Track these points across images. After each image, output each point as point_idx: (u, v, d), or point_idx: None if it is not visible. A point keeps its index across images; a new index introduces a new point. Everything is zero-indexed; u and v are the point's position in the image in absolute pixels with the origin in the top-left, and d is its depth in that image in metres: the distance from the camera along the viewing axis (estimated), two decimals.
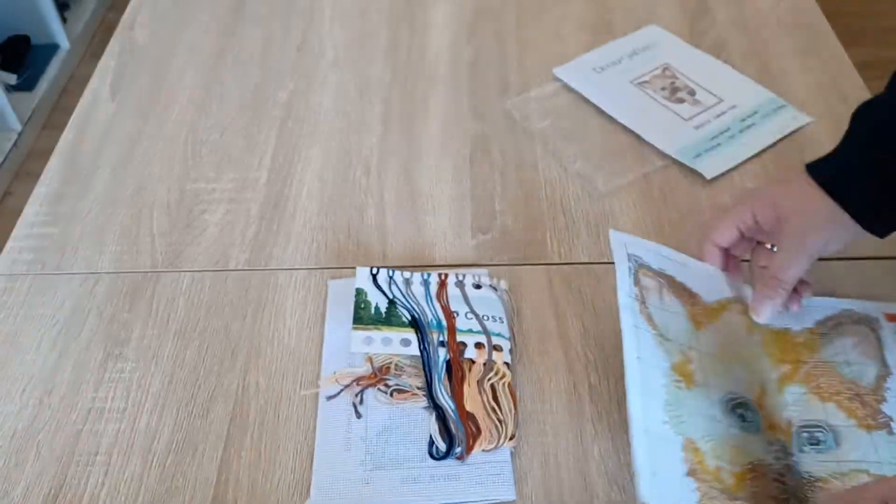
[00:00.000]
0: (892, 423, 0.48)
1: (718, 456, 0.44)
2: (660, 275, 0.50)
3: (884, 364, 0.51)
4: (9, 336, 0.52)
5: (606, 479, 0.43)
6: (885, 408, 0.49)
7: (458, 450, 0.43)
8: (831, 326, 0.53)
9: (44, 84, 1.67)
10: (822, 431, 0.49)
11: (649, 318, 0.48)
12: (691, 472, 0.43)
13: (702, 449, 0.44)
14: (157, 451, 0.45)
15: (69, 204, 0.60)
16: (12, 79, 1.64)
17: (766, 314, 0.50)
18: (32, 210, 0.60)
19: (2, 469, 0.45)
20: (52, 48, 1.75)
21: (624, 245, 0.49)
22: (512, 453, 0.44)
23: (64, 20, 1.76)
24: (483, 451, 0.44)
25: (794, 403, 0.49)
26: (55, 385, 0.49)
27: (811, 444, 0.48)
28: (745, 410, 0.48)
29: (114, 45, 0.75)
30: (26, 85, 1.66)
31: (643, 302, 0.48)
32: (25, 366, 0.50)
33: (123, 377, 0.49)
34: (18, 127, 1.58)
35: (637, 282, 0.48)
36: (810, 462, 0.47)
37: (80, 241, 0.57)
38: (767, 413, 0.48)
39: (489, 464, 0.43)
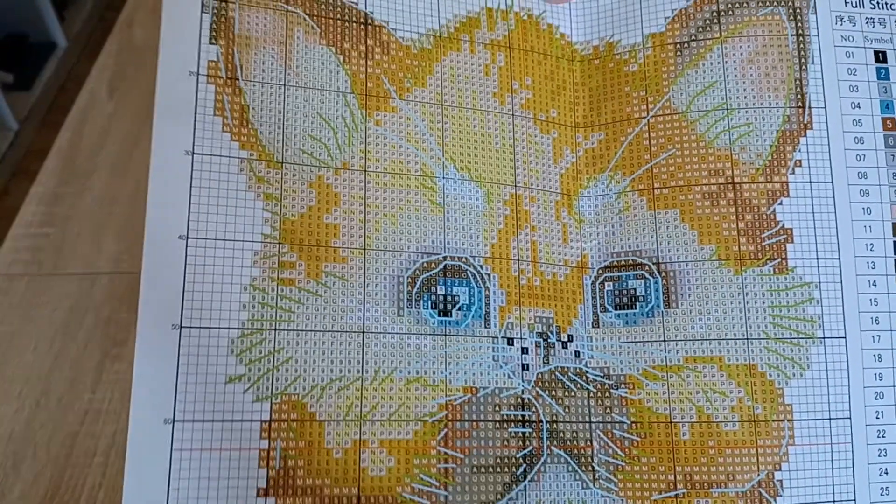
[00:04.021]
0: (788, 246, 0.32)
1: (368, 410, 0.30)
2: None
3: (799, 90, 0.33)
4: (5, 337, 0.52)
5: None
6: (783, 210, 0.32)
7: None
8: (702, 24, 0.33)
9: (41, 83, 1.67)
10: (643, 277, 0.33)
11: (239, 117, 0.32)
12: (274, 484, 0.29)
13: (317, 413, 0.29)
14: None
15: (67, 203, 0.60)
16: (9, 78, 1.63)
17: None
18: (29, 210, 0.60)
19: None
20: (50, 47, 1.75)
21: None
22: None
23: (62, 19, 1.76)
24: None
25: (600, 215, 0.33)
26: (52, 386, 0.49)
27: (618, 308, 0.33)
28: (453, 285, 0.31)
29: (111, 44, 0.75)
30: (23, 84, 1.66)
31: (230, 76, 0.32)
32: (22, 367, 0.50)
33: (120, 378, 0.49)
34: (15, 126, 1.58)
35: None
36: (608, 343, 0.32)
37: (77, 242, 0.57)
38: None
39: None
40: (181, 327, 0.30)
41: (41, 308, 0.53)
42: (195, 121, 0.32)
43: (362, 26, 0.34)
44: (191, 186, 0.31)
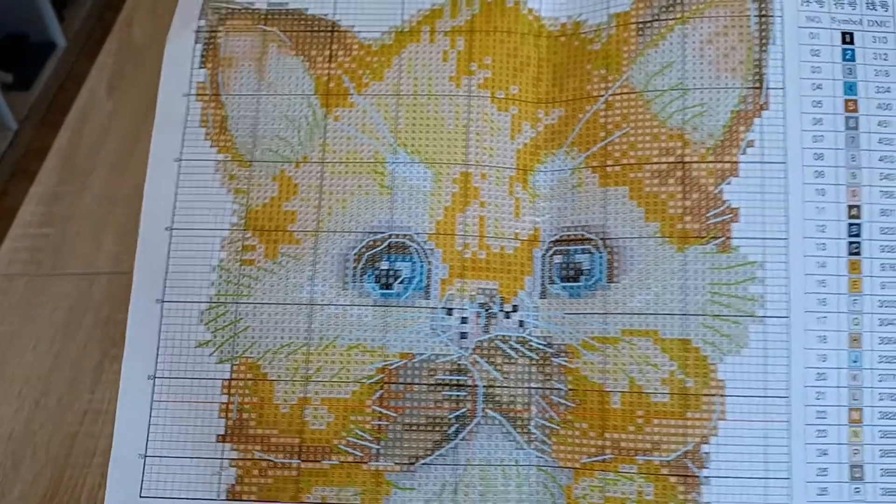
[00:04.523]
0: (734, 225, 0.33)
1: (313, 372, 0.35)
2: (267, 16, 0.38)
3: (758, 70, 0.34)
4: (5, 337, 0.52)
5: None
6: (731, 189, 0.33)
7: None
8: (665, 3, 0.34)
9: (40, 82, 1.67)
10: (590, 252, 0.34)
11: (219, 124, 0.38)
12: (231, 432, 0.34)
13: (269, 374, 0.35)
14: None
15: (66, 203, 0.60)
16: (9, 77, 1.64)
17: None
18: (28, 210, 0.60)
19: None
20: (49, 46, 1.75)
21: None
22: None
23: (62, 19, 1.75)
24: None
25: (554, 190, 0.34)
26: (52, 386, 0.49)
27: (564, 280, 0.34)
28: (396, 260, 0.35)
29: (111, 43, 0.75)
30: (23, 83, 1.66)
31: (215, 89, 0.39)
32: (22, 367, 0.50)
33: (119, 378, 0.49)
34: (15, 125, 1.58)
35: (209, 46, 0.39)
36: (552, 314, 0.34)
37: (76, 241, 0.57)
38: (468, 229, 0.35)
39: None
40: (163, 301, 0.37)
41: (40, 308, 0.53)
42: (184, 133, 0.38)
43: (329, 34, 0.38)
44: (177, 187, 0.37)
